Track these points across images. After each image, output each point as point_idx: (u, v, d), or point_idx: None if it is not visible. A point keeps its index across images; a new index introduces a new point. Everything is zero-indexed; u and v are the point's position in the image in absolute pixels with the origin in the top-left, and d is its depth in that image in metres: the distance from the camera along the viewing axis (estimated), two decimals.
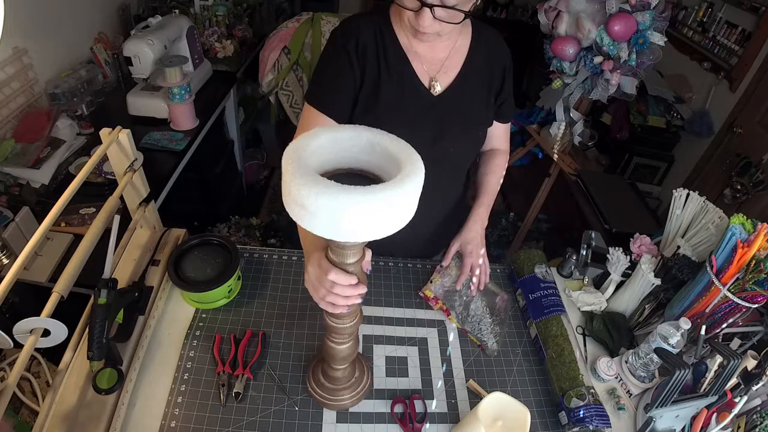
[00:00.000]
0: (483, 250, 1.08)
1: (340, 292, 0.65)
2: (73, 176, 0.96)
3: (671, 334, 0.92)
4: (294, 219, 0.54)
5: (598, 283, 1.16)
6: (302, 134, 0.59)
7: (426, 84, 0.96)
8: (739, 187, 2.31)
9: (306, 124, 0.94)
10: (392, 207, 0.52)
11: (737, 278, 0.91)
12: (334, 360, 0.81)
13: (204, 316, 0.99)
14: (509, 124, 1.16)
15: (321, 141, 0.58)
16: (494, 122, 1.09)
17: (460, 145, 1.02)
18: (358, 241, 0.57)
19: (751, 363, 0.92)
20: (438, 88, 0.97)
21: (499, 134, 1.14)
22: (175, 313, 0.99)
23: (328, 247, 0.65)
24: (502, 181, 1.15)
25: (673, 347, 0.92)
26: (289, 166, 0.53)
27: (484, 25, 1.01)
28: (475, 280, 1.05)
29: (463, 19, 0.82)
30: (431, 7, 0.79)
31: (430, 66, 0.96)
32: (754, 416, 0.91)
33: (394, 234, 0.56)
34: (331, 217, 0.51)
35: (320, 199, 0.50)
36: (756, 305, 0.92)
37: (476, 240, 1.06)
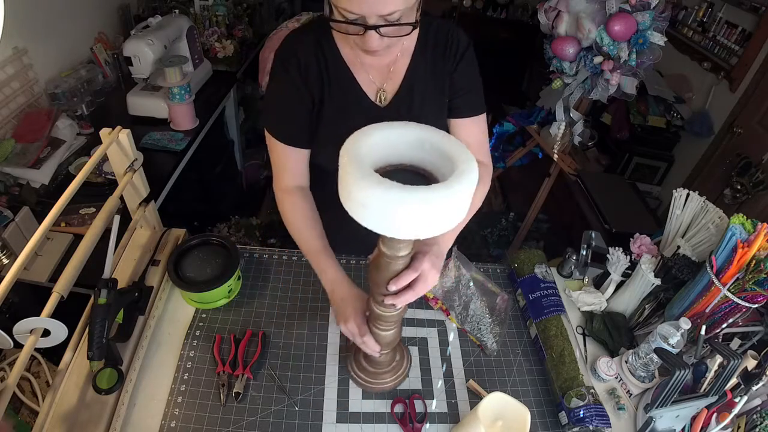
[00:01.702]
0: (436, 267, 0.78)
1: (367, 349, 0.82)
2: (73, 176, 0.96)
3: (671, 334, 0.92)
4: (350, 214, 0.56)
5: (598, 283, 1.16)
6: (355, 132, 0.60)
7: (372, 94, 0.92)
8: (739, 187, 2.31)
9: (278, 159, 0.93)
10: (445, 206, 0.54)
11: (737, 278, 0.91)
12: (380, 346, 0.83)
13: (204, 316, 0.99)
14: (483, 132, 1.00)
15: (373, 139, 0.60)
16: (459, 131, 0.97)
17: None
18: (410, 238, 0.58)
19: (751, 363, 0.92)
20: (385, 98, 0.92)
21: (474, 143, 0.97)
22: (175, 313, 0.99)
23: (380, 240, 0.66)
24: (484, 195, 0.97)
25: (673, 347, 0.92)
26: (346, 164, 0.54)
27: (431, 20, 0.92)
28: (393, 288, 0.71)
29: (411, 31, 0.75)
30: (375, 28, 0.72)
31: (376, 75, 0.91)
32: (754, 416, 0.91)
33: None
34: (383, 214, 0.53)
35: (376, 195, 0.51)
36: (756, 305, 0.92)
37: (436, 247, 0.79)
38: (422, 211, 0.52)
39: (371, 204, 0.52)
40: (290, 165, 0.93)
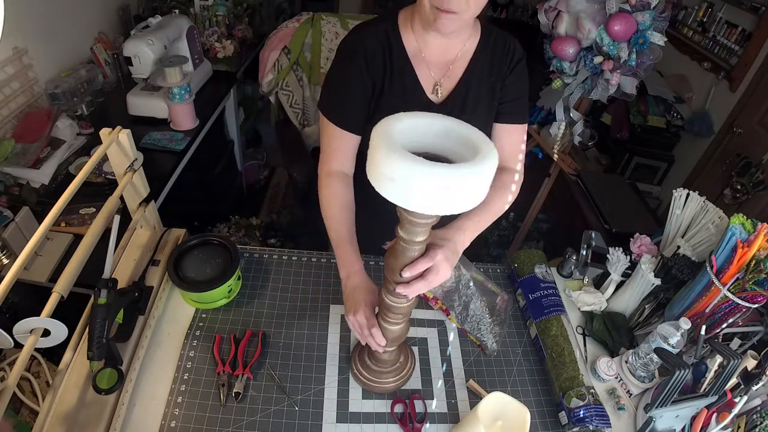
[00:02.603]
0: (449, 262, 0.77)
1: (372, 342, 0.81)
2: (73, 176, 0.96)
3: (671, 334, 0.92)
4: (377, 189, 0.59)
5: (598, 283, 1.16)
6: (386, 117, 0.63)
7: (429, 89, 0.95)
8: (739, 187, 2.31)
9: (328, 142, 0.95)
10: (465, 184, 0.57)
11: (737, 278, 0.91)
12: (386, 342, 0.82)
13: (204, 316, 0.99)
14: (522, 143, 1.02)
15: (403, 124, 0.63)
16: (501, 135, 1.00)
17: None
18: (430, 213, 0.60)
19: (751, 363, 0.92)
20: (441, 94, 0.96)
21: (510, 151, 1.01)
22: (175, 313, 0.99)
23: (398, 226, 0.68)
24: (508, 203, 0.98)
25: (673, 347, 0.92)
26: (379, 142, 0.58)
27: (493, 28, 0.99)
28: (407, 274, 0.72)
29: None
30: None
31: (436, 70, 0.95)
32: (754, 416, 0.91)
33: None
34: (408, 186, 0.56)
35: (401, 167, 0.55)
36: (756, 305, 0.92)
37: (452, 243, 0.80)
38: (444, 185, 0.55)
39: (397, 176, 0.56)
40: (339, 149, 0.95)
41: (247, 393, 0.87)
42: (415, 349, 0.99)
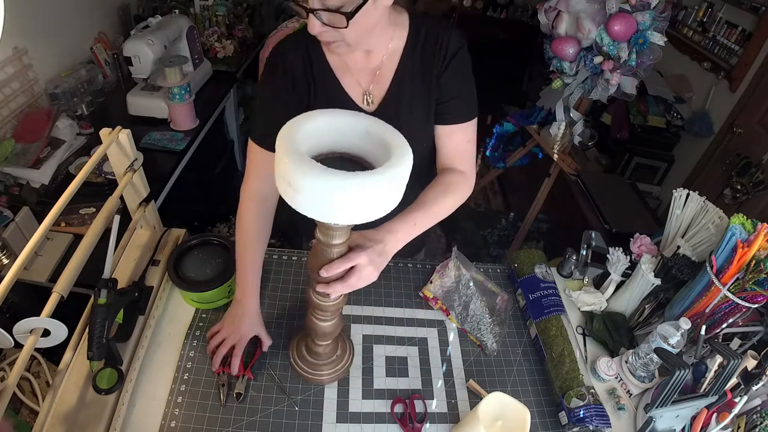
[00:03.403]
0: (374, 264, 0.72)
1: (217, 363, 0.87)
2: (73, 176, 0.96)
3: (671, 334, 0.92)
4: (283, 198, 0.56)
5: (598, 283, 1.16)
6: (290, 121, 0.60)
7: (359, 99, 0.90)
8: (739, 187, 2.31)
9: (249, 160, 0.92)
10: (375, 193, 0.54)
11: (737, 278, 0.91)
12: (316, 335, 0.83)
13: (204, 316, 0.99)
14: (468, 141, 0.94)
15: (316, 124, 0.60)
16: (443, 137, 0.94)
17: None
18: (342, 223, 0.58)
19: (751, 363, 0.92)
20: (373, 102, 0.90)
21: (456, 152, 0.94)
22: (175, 313, 0.99)
23: (317, 228, 0.67)
24: (453, 206, 0.89)
25: (673, 347, 0.92)
26: (280, 150, 0.54)
27: (423, 21, 0.89)
28: (324, 274, 0.69)
29: (346, 24, 0.71)
30: (313, 11, 0.70)
31: (362, 77, 0.89)
32: (754, 416, 0.91)
33: None
34: (316, 198, 0.53)
35: (307, 179, 0.52)
36: (756, 305, 0.92)
37: (380, 245, 0.74)
38: (355, 196, 0.53)
39: (304, 189, 0.53)
40: (259, 168, 0.91)
41: (247, 393, 0.87)
42: (415, 349, 0.99)
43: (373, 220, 0.58)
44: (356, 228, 0.66)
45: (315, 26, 0.73)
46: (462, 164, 0.94)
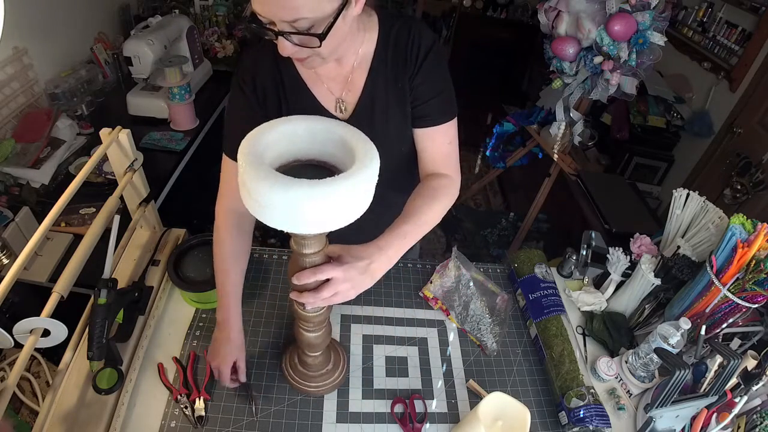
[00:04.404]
0: (352, 282, 0.69)
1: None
2: (73, 176, 0.96)
3: (671, 334, 0.92)
4: (251, 213, 0.55)
5: (598, 283, 1.16)
6: (257, 128, 0.59)
7: (332, 107, 0.88)
8: (739, 187, 2.31)
9: (222, 176, 0.90)
10: (344, 198, 0.53)
11: (737, 278, 0.91)
12: (304, 346, 0.82)
13: (204, 316, 0.99)
14: (449, 142, 0.90)
15: (275, 134, 0.59)
16: (422, 141, 0.90)
17: (386, 161, 0.79)
18: (314, 232, 0.57)
19: (751, 363, 0.92)
20: (346, 110, 0.88)
21: (438, 155, 0.90)
22: (175, 313, 0.99)
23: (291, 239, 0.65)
24: (442, 212, 0.85)
25: (673, 347, 0.92)
26: (242, 159, 0.53)
27: (394, 20, 0.84)
28: (295, 281, 0.68)
29: (320, 44, 0.68)
30: (282, 34, 0.67)
31: (334, 85, 0.86)
32: (754, 416, 0.91)
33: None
34: (284, 210, 0.52)
35: (272, 192, 0.51)
36: (756, 305, 0.92)
37: (362, 263, 0.70)
38: (318, 205, 0.52)
39: (268, 202, 0.52)
40: (233, 184, 0.87)
41: (246, 393, 0.87)
42: (415, 349, 0.99)
43: (342, 227, 0.57)
44: (334, 236, 0.64)
45: (286, 48, 0.69)
46: (446, 168, 0.90)
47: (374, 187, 0.58)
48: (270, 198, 0.51)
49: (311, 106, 0.87)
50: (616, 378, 1.00)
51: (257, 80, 0.84)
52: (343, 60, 0.84)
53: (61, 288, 0.73)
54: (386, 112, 0.87)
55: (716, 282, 0.92)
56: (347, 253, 0.71)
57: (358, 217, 0.57)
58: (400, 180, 0.94)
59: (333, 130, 0.61)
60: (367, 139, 0.60)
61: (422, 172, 0.92)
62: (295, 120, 0.61)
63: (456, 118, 0.89)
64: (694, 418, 0.91)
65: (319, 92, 0.87)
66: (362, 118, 0.87)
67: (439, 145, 0.90)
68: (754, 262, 0.90)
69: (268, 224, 0.54)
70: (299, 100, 0.86)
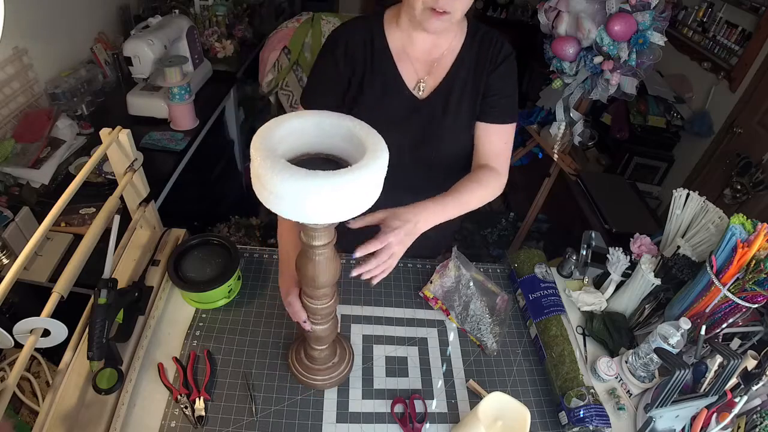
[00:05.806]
0: (403, 244, 0.78)
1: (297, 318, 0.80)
2: (73, 176, 0.96)
3: (671, 334, 0.92)
4: (262, 203, 0.57)
5: (598, 283, 1.16)
6: (270, 120, 0.62)
7: (412, 85, 0.96)
8: (739, 187, 2.31)
9: None
10: (352, 191, 0.55)
11: (737, 278, 0.91)
12: (311, 339, 0.83)
13: (204, 316, 0.99)
14: (505, 143, 1.00)
15: (289, 127, 0.61)
16: (482, 134, 0.99)
17: (448, 148, 1.00)
18: (323, 223, 0.59)
19: (751, 363, 0.92)
20: (424, 91, 0.96)
21: (492, 151, 0.99)
22: (175, 313, 0.99)
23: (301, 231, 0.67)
24: (483, 199, 0.94)
25: (673, 347, 0.92)
26: (256, 152, 0.56)
27: (480, 25, 0.98)
28: (359, 254, 0.74)
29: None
30: None
31: (420, 67, 0.95)
32: (754, 416, 0.91)
33: None
34: (294, 201, 0.54)
35: (284, 183, 0.53)
36: (756, 305, 0.92)
37: (410, 225, 0.78)
38: (328, 196, 0.53)
39: (281, 193, 0.54)
40: None
41: (246, 393, 0.87)
42: (415, 349, 0.99)
43: (351, 217, 0.59)
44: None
45: None
46: (497, 163, 0.98)
47: (383, 179, 0.60)
48: (283, 188, 0.53)
49: (393, 79, 0.95)
50: (616, 378, 1.00)
51: (349, 44, 0.93)
52: (436, 47, 0.94)
53: (61, 288, 0.73)
54: (459, 101, 0.96)
55: (716, 282, 0.92)
56: (393, 216, 0.78)
57: (368, 208, 0.60)
58: (454, 170, 1.00)
59: (342, 123, 0.63)
60: (376, 133, 0.62)
61: (474, 164, 1.01)
62: (306, 115, 0.63)
63: (515, 124, 1.00)
64: (694, 418, 0.91)
65: (403, 69, 0.95)
66: (437, 101, 0.96)
67: (495, 141, 0.99)
68: (754, 262, 0.90)
69: (281, 215, 0.57)
70: (384, 71, 0.94)
